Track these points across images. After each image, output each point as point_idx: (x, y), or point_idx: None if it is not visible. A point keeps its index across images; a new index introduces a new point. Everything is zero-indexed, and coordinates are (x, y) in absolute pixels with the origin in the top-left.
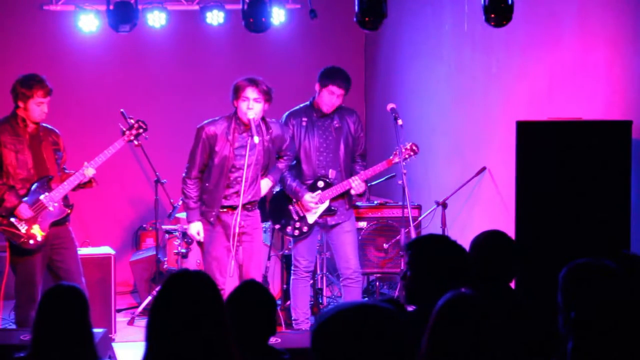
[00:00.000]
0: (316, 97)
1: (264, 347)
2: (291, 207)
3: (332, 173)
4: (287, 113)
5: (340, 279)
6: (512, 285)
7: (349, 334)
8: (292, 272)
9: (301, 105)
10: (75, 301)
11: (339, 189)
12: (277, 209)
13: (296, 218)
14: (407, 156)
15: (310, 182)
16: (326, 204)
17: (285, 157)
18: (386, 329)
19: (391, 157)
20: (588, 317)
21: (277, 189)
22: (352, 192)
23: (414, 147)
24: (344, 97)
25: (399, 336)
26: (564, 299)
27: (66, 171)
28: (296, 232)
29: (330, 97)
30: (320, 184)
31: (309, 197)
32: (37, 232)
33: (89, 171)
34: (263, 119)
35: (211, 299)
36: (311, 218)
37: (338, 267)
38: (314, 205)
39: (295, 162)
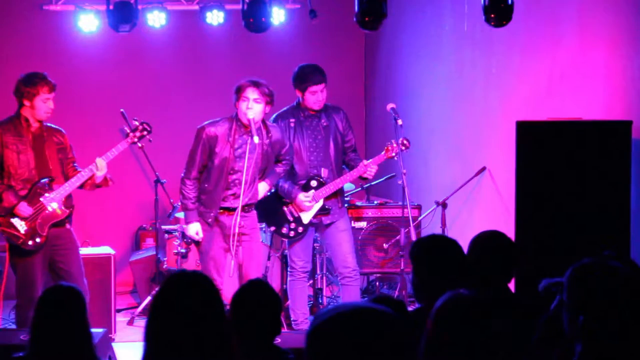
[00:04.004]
0: (301, 101)
1: (269, 346)
2: (285, 209)
3: (324, 172)
4: (274, 115)
5: (339, 278)
6: (512, 285)
7: (344, 336)
8: (288, 273)
9: (287, 107)
10: (73, 301)
11: (332, 187)
12: (271, 211)
13: (291, 219)
14: (398, 151)
15: (303, 182)
16: (320, 203)
17: (284, 162)
18: (381, 331)
19: (388, 147)
20: (598, 320)
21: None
22: (369, 175)
23: (404, 142)
24: (326, 88)
25: (395, 338)
26: (570, 300)
27: (78, 169)
28: (292, 233)
29: (314, 97)
30: (314, 183)
31: (302, 196)
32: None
33: (100, 172)
34: (263, 122)
35: (210, 298)
36: (306, 218)
37: (335, 267)
38: (309, 204)
39: None
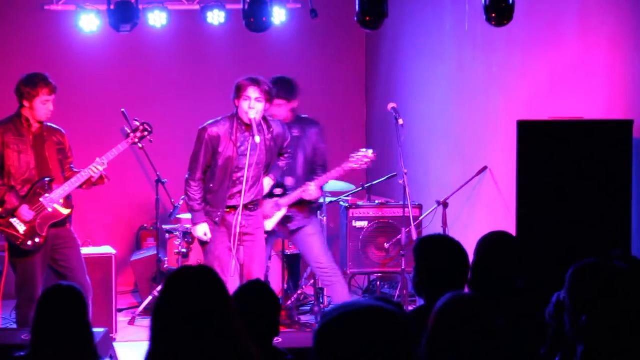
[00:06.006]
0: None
1: (268, 347)
2: None
3: (289, 180)
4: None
5: (319, 281)
6: None
7: (353, 335)
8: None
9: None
10: (73, 300)
11: (294, 197)
12: None
13: None
14: (361, 163)
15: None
16: (283, 211)
17: (286, 155)
18: (387, 329)
19: (346, 164)
20: (600, 320)
21: None
22: (305, 196)
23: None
24: (286, 107)
25: (402, 337)
26: (571, 300)
27: (74, 170)
28: None
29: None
30: (278, 191)
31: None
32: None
33: (97, 168)
34: (264, 118)
35: (216, 292)
36: (268, 225)
37: (313, 271)
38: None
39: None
